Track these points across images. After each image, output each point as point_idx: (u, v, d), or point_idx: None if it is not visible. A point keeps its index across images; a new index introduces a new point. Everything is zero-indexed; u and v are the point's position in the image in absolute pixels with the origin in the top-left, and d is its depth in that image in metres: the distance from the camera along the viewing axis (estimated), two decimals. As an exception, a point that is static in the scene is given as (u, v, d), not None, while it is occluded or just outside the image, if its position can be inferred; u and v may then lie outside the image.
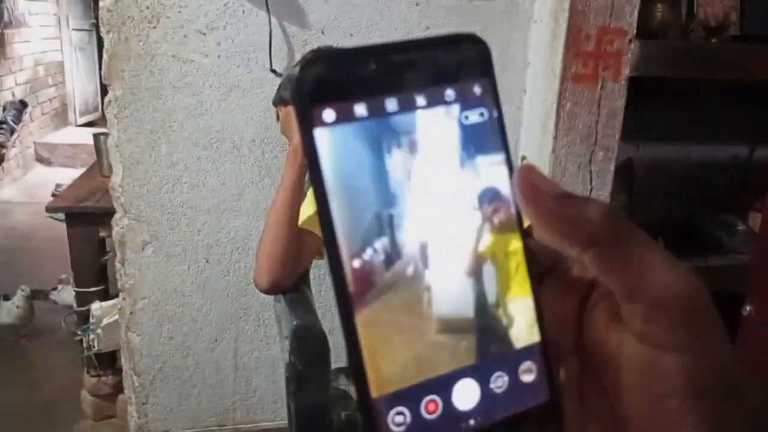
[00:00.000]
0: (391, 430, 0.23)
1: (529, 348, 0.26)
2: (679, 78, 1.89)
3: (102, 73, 1.56)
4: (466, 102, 0.25)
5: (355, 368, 0.23)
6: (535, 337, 0.26)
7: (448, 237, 0.25)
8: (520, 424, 0.25)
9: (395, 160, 0.24)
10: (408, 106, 0.24)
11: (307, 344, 1.16)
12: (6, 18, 4.77)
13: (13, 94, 4.94)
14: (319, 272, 1.76)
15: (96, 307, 1.95)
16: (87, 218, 1.98)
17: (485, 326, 0.25)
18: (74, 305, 2.11)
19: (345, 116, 0.23)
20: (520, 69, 1.72)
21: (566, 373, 0.27)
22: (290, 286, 1.27)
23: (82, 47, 5.98)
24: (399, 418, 0.24)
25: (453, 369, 0.24)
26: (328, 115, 0.23)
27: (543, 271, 0.27)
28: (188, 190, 1.64)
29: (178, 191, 1.64)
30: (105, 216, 1.75)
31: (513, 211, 0.26)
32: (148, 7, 1.51)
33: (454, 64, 0.25)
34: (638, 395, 0.24)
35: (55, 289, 2.62)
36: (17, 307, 2.47)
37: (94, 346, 1.94)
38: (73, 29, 5.88)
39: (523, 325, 0.26)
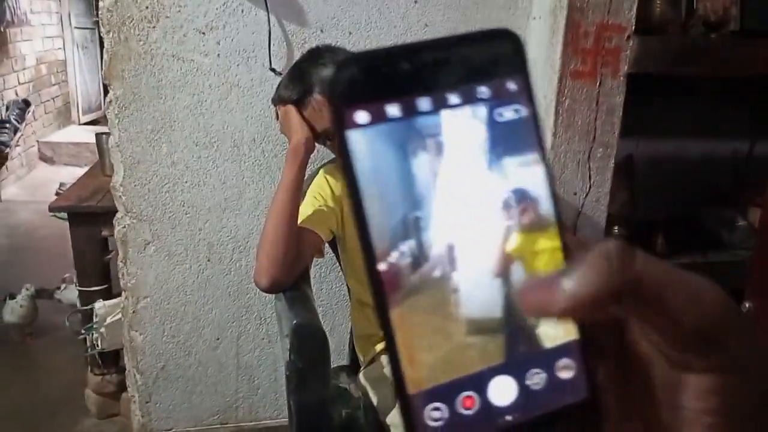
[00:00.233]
0: (428, 425, 0.24)
1: (567, 345, 0.25)
2: (679, 74, 1.89)
3: (102, 73, 1.57)
4: (500, 99, 0.25)
5: (393, 365, 0.24)
6: (572, 334, 0.25)
7: (492, 236, 0.25)
8: (557, 420, 0.25)
9: (429, 160, 0.24)
10: (441, 105, 0.24)
11: (307, 342, 1.16)
12: (8, 17, 4.78)
13: (16, 93, 4.96)
14: (320, 271, 1.77)
15: (99, 306, 1.96)
16: (90, 218, 1.98)
17: (518, 324, 0.25)
18: (77, 304, 2.12)
19: (379, 117, 0.23)
20: (519, 66, 1.72)
21: (604, 373, 0.26)
22: (290, 285, 1.27)
23: (85, 45, 5.99)
24: (436, 414, 0.24)
25: (489, 366, 0.25)
26: (362, 116, 0.23)
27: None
28: (189, 189, 1.65)
29: (179, 190, 1.65)
30: (107, 215, 1.76)
31: (550, 208, 0.26)
32: (147, 7, 1.52)
33: (487, 61, 0.25)
34: (671, 410, 0.24)
35: (59, 288, 2.63)
36: (21, 306, 2.48)
37: (97, 345, 1.96)
38: (75, 27, 5.89)
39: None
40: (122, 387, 2.00)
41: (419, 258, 0.24)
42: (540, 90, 1.68)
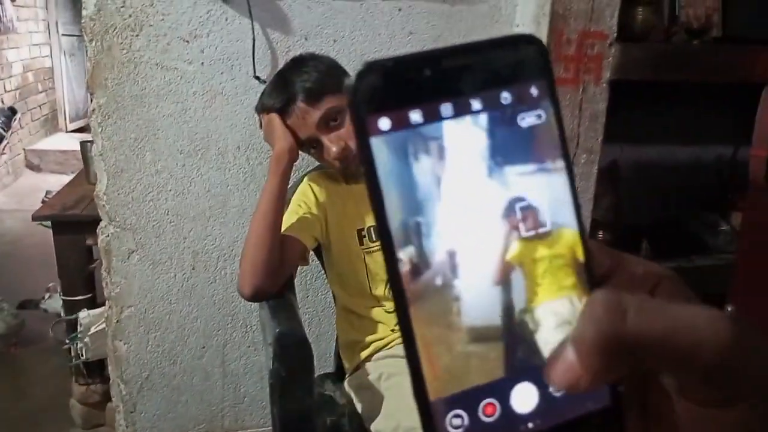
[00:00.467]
0: None
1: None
2: (662, 80, 1.90)
3: (86, 81, 1.56)
4: (524, 104, 0.25)
5: (413, 371, 0.24)
6: None
7: (525, 241, 0.25)
8: (578, 428, 0.25)
9: (452, 167, 0.24)
10: (464, 111, 0.24)
11: (290, 351, 1.16)
12: (-6, 25, 4.76)
13: (2, 101, 4.93)
14: (305, 278, 1.76)
15: (84, 315, 1.95)
16: (74, 226, 1.97)
17: (542, 332, 0.25)
18: (62, 313, 2.10)
19: (401, 124, 0.23)
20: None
21: (627, 381, 0.26)
22: (274, 293, 1.27)
23: (72, 53, 5.96)
24: (457, 421, 0.24)
25: (510, 373, 0.24)
26: (384, 123, 0.23)
27: (603, 275, 0.27)
28: (173, 197, 1.64)
29: (163, 199, 1.64)
30: (92, 224, 1.75)
31: (573, 214, 0.26)
32: (130, 16, 1.52)
33: (509, 67, 0.25)
34: None
35: (44, 297, 2.61)
36: (7, 316, 2.46)
37: (82, 355, 1.94)
38: (62, 35, 5.86)
39: None
40: (107, 397, 1.98)
41: (445, 266, 0.24)
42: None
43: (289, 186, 1.34)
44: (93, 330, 1.91)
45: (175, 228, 1.66)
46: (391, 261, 0.23)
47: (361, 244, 1.37)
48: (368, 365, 1.36)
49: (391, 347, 1.35)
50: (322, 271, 1.56)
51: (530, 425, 0.24)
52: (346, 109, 1.31)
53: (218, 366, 1.80)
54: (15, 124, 4.98)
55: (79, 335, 1.94)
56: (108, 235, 1.64)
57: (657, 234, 2.01)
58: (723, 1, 2.00)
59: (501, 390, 0.24)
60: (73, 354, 1.99)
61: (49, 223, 2.03)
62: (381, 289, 1.36)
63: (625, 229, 1.99)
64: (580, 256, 0.26)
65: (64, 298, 2.07)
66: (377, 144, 0.23)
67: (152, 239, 1.66)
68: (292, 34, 1.61)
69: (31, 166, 5.40)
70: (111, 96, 1.55)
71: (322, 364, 1.68)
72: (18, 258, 3.62)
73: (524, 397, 0.25)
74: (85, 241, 1.99)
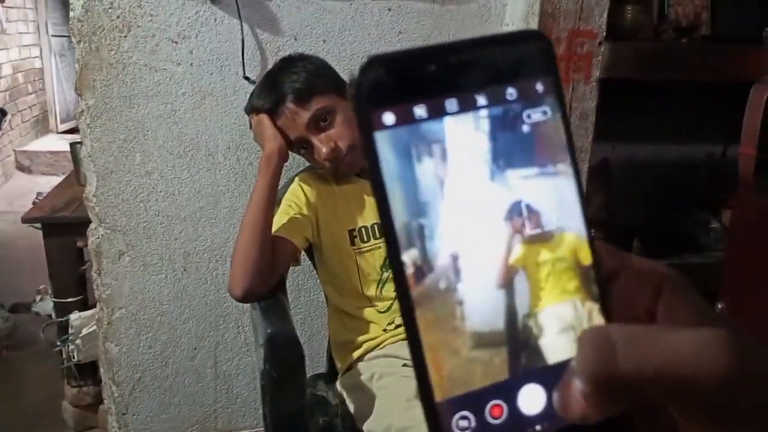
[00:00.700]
0: None
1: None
2: (652, 79, 1.91)
3: (75, 83, 1.56)
4: (529, 100, 0.25)
5: (419, 371, 0.23)
6: None
7: (528, 244, 0.25)
8: (587, 430, 0.24)
9: (457, 163, 0.24)
10: (469, 107, 0.24)
11: (281, 352, 1.16)
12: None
13: (-8, 103, 4.90)
14: (297, 278, 1.76)
15: (75, 317, 1.94)
16: (64, 228, 1.96)
17: (554, 339, 0.25)
18: (53, 316, 2.09)
19: (405, 119, 0.23)
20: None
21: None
22: (265, 294, 1.27)
23: (62, 54, 5.94)
24: (464, 423, 0.23)
25: (517, 374, 0.24)
26: (388, 118, 0.23)
27: (608, 276, 0.26)
28: (164, 198, 1.64)
29: (153, 200, 1.63)
30: (82, 226, 1.74)
31: (580, 213, 0.25)
32: (118, 17, 1.51)
33: (515, 63, 0.25)
34: None
35: (35, 300, 2.60)
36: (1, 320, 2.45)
37: (73, 357, 1.93)
38: (52, 36, 5.84)
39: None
40: (99, 399, 1.97)
41: (448, 261, 0.24)
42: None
43: (279, 186, 1.34)
44: (84, 332, 1.91)
45: (165, 229, 1.66)
46: (394, 257, 0.23)
47: (353, 244, 1.37)
48: (360, 365, 1.36)
49: (383, 347, 1.35)
50: (314, 272, 1.56)
51: (538, 427, 0.24)
52: (335, 110, 1.31)
53: (210, 367, 1.80)
54: (5, 125, 4.95)
55: (70, 337, 1.93)
56: (98, 237, 1.63)
57: (648, 232, 2.02)
58: (711, 0, 2.01)
59: (508, 391, 0.24)
60: (64, 356, 1.99)
61: (39, 224, 2.02)
62: (373, 290, 1.36)
63: (616, 227, 1.99)
64: (584, 258, 0.26)
65: (55, 300, 2.06)
66: (381, 139, 0.23)
67: (143, 241, 1.65)
68: (281, 35, 1.60)
69: (22, 168, 5.37)
70: (100, 97, 1.55)
71: (315, 364, 1.68)
72: (9, 260, 3.60)
73: (532, 399, 0.24)
74: (76, 243, 1.98)
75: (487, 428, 0.24)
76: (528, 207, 0.25)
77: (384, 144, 0.23)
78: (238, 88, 1.60)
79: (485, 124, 0.24)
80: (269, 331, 1.16)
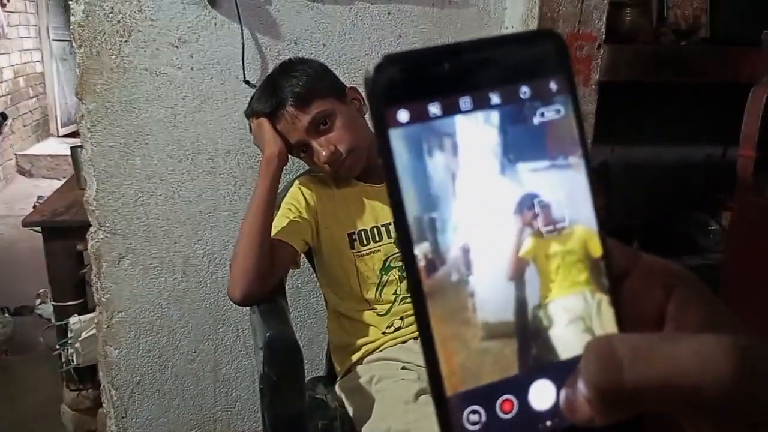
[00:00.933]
0: (466, 428, 0.23)
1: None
2: (651, 81, 1.91)
3: (75, 87, 1.56)
4: (542, 98, 0.25)
5: (430, 366, 0.23)
6: None
7: (539, 237, 0.25)
8: (597, 427, 0.24)
9: (470, 161, 0.24)
10: (483, 105, 0.24)
11: (281, 355, 1.16)
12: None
13: (-7, 107, 4.91)
14: (297, 282, 1.76)
15: (74, 321, 1.94)
16: (64, 232, 1.97)
17: (564, 330, 0.25)
18: (52, 319, 2.09)
19: (420, 116, 0.23)
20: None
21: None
22: (265, 297, 1.27)
23: (64, 58, 5.95)
24: (474, 417, 0.23)
25: (528, 369, 0.24)
26: (403, 115, 0.23)
27: (620, 273, 0.27)
28: (164, 202, 1.64)
29: (153, 203, 1.64)
30: (82, 229, 1.75)
31: (592, 209, 0.26)
32: (119, 22, 1.52)
33: (529, 61, 0.25)
34: None
35: (40, 303, 2.60)
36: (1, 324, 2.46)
37: (72, 361, 1.93)
38: (53, 40, 5.86)
39: (600, 326, 0.25)
40: (99, 403, 1.97)
41: (459, 259, 0.24)
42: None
43: (279, 190, 1.34)
44: (84, 336, 1.91)
45: (165, 233, 1.66)
46: (408, 255, 0.23)
47: (352, 247, 1.37)
48: (359, 368, 1.36)
49: (382, 350, 1.35)
50: (314, 275, 1.56)
51: (548, 423, 0.24)
52: (335, 113, 1.31)
53: (210, 371, 1.80)
54: (6, 129, 4.97)
55: (69, 341, 1.93)
56: (98, 241, 1.63)
57: (648, 234, 2.02)
58: (710, 2, 2.01)
59: (519, 386, 0.24)
60: (63, 360, 1.98)
61: (40, 228, 2.02)
62: (372, 293, 1.36)
63: (616, 229, 1.99)
64: (594, 251, 0.26)
65: (54, 303, 2.06)
66: (395, 136, 0.23)
67: (142, 244, 1.66)
68: (281, 39, 1.61)
69: (23, 172, 5.38)
70: (100, 101, 1.55)
71: (314, 367, 1.68)
72: (9, 264, 3.60)
73: (542, 395, 0.24)
74: (76, 246, 1.98)
75: (497, 423, 0.24)
76: (539, 200, 0.25)
77: (398, 141, 0.23)
78: (238, 92, 1.60)
79: (498, 122, 0.24)
80: (268, 334, 1.16)
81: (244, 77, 1.59)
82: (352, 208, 1.38)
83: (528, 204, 0.25)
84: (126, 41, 1.53)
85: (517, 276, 0.25)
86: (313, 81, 1.31)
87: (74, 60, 1.50)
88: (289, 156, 1.34)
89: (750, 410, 0.21)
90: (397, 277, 1.36)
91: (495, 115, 0.24)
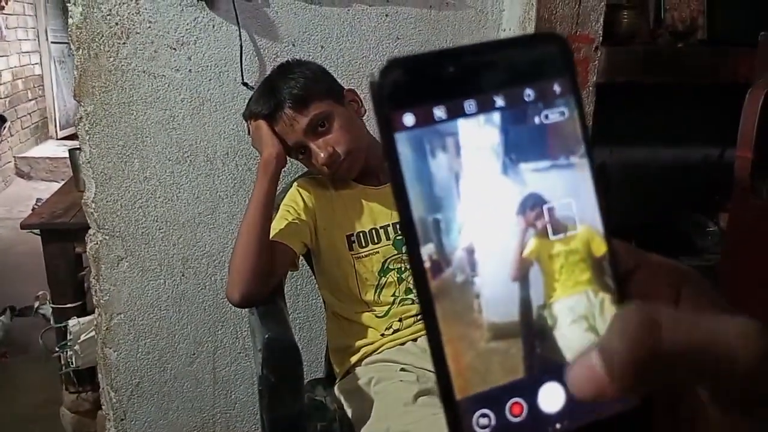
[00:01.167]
0: None
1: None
2: (648, 83, 1.92)
3: (73, 89, 1.56)
4: (546, 101, 0.25)
5: (439, 369, 0.23)
6: None
7: (542, 237, 0.25)
8: (607, 428, 0.25)
9: (475, 163, 0.24)
10: (487, 108, 0.24)
11: (279, 357, 1.16)
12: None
13: (-8, 109, 4.91)
14: (295, 283, 1.76)
15: (73, 323, 1.94)
16: (63, 234, 1.97)
17: (568, 330, 0.25)
18: (51, 321, 2.09)
19: (425, 120, 0.24)
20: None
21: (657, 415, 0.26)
22: (263, 299, 1.27)
23: (62, 60, 5.95)
24: (484, 420, 0.23)
25: (537, 371, 0.24)
26: (408, 119, 0.23)
27: (625, 273, 0.26)
28: (162, 204, 1.64)
29: (152, 206, 1.64)
30: (81, 231, 1.75)
31: (597, 210, 0.26)
32: (117, 24, 1.52)
33: (532, 64, 0.25)
34: None
35: (39, 305, 2.60)
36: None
37: (72, 363, 1.93)
38: (52, 42, 5.85)
39: (604, 326, 0.25)
40: (98, 405, 1.97)
41: (468, 259, 0.24)
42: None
43: (278, 192, 1.34)
44: (83, 338, 1.91)
45: (164, 235, 1.66)
46: (415, 257, 0.23)
47: (351, 249, 1.37)
48: (358, 370, 1.36)
49: (380, 352, 1.35)
50: (312, 277, 1.56)
51: (558, 426, 0.24)
52: (333, 115, 1.31)
53: (209, 372, 1.80)
54: (5, 132, 4.96)
55: (68, 343, 1.94)
56: (97, 243, 1.63)
57: (646, 235, 2.02)
58: (707, 4, 2.02)
59: (528, 389, 0.24)
60: (63, 362, 1.99)
61: (38, 230, 2.02)
62: (371, 294, 1.36)
63: (614, 230, 1.99)
64: (597, 251, 0.26)
65: (53, 306, 2.06)
66: (401, 139, 0.23)
67: (141, 246, 1.66)
68: (279, 41, 1.61)
69: (22, 174, 5.38)
70: (98, 104, 1.55)
71: (313, 369, 1.68)
72: (8, 266, 3.60)
73: (552, 397, 0.24)
74: (75, 248, 1.98)
75: (507, 426, 0.24)
76: (543, 201, 0.25)
77: (404, 144, 0.23)
78: (236, 94, 1.60)
79: (502, 125, 0.25)
80: (267, 336, 1.16)
81: (242, 79, 1.59)
82: (351, 210, 1.38)
83: (532, 204, 0.25)
84: (124, 43, 1.53)
85: (522, 276, 0.25)
86: (311, 83, 1.31)
87: (73, 62, 1.50)
88: (288, 158, 1.35)
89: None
90: (395, 279, 1.36)
91: (499, 118, 0.24)
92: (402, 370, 1.29)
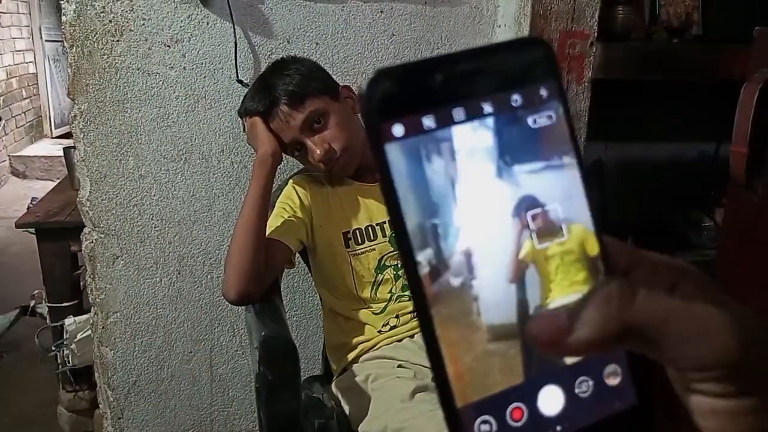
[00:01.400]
0: None
1: (612, 351, 0.25)
2: (643, 79, 1.92)
3: (67, 87, 1.56)
4: (533, 105, 0.25)
5: (438, 377, 0.24)
6: None
7: (537, 239, 0.25)
8: (608, 428, 0.25)
9: (466, 170, 0.24)
10: (476, 114, 0.24)
11: (276, 354, 1.16)
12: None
13: (-14, 108, 4.89)
14: (292, 281, 1.76)
15: (69, 322, 1.94)
16: (58, 233, 1.96)
17: None
18: (48, 320, 2.09)
19: (414, 129, 0.24)
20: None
21: (653, 378, 0.26)
22: (260, 297, 1.27)
23: (56, 58, 5.93)
24: (485, 427, 0.24)
25: (535, 375, 0.24)
26: (398, 129, 0.23)
27: (622, 272, 0.27)
28: (158, 202, 1.64)
29: (147, 204, 1.63)
30: (76, 230, 1.74)
31: (588, 212, 0.26)
32: (111, 21, 1.51)
33: (519, 69, 0.25)
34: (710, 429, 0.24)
35: (35, 304, 2.59)
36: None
37: (68, 362, 1.93)
38: (46, 40, 5.82)
39: None
40: (95, 404, 1.97)
41: (463, 267, 0.24)
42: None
43: (273, 189, 1.34)
44: (79, 337, 1.90)
45: (159, 233, 1.66)
46: (410, 266, 0.23)
47: (347, 246, 1.37)
48: (355, 367, 1.36)
49: (377, 349, 1.35)
50: (309, 274, 1.56)
51: (558, 428, 0.24)
52: (329, 112, 1.31)
53: (206, 370, 1.79)
54: (-1, 130, 4.95)
55: (65, 342, 1.93)
56: (92, 241, 1.63)
57: (641, 231, 2.03)
58: (702, 0, 2.02)
59: (527, 393, 0.24)
60: (59, 361, 1.98)
61: (33, 229, 2.02)
62: (367, 292, 1.36)
63: (609, 226, 1.99)
64: (591, 251, 0.26)
65: (49, 305, 2.05)
66: (391, 150, 0.23)
67: (137, 244, 1.65)
68: (274, 38, 1.61)
69: (16, 173, 5.36)
70: (93, 102, 1.55)
71: (310, 366, 1.68)
72: (3, 266, 3.59)
73: (551, 400, 0.24)
74: (70, 247, 1.97)
75: (508, 431, 0.24)
76: (536, 204, 0.25)
77: (394, 155, 0.23)
78: (231, 91, 1.60)
79: (492, 131, 0.25)
80: (264, 333, 1.16)
81: (237, 76, 1.59)
82: (347, 207, 1.38)
83: (526, 207, 0.25)
84: (118, 41, 1.53)
85: (519, 278, 0.25)
86: (306, 79, 1.31)
87: (67, 60, 1.50)
88: (283, 155, 1.34)
89: (752, 371, 0.22)
90: (392, 275, 1.36)
91: (488, 124, 0.25)
92: (399, 366, 1.29)
